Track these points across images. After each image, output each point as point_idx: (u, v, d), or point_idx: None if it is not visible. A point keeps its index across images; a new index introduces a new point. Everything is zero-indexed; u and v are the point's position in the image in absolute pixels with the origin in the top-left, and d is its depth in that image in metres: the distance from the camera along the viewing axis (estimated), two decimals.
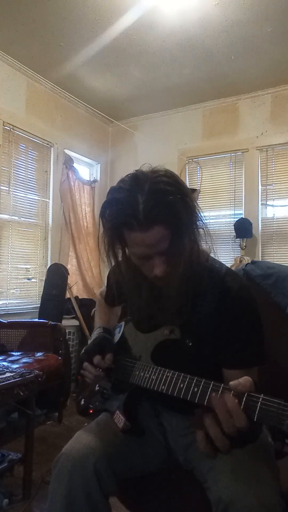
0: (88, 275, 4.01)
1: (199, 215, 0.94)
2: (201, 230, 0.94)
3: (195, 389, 0.82)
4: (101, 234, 0.97)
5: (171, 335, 1.00)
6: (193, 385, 0.83)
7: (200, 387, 0.81)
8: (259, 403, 0.70)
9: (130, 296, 1.07)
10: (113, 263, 1.02)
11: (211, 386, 0.79)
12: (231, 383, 0.74)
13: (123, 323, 1.15)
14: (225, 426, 0.72)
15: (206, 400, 0.79)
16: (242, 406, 0.71)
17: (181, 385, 0.85)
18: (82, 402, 1.17)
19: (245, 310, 0.98)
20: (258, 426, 0.72)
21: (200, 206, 0.97)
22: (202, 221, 0.94)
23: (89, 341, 1.14)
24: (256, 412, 0.70)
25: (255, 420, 0.70)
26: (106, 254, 1.00)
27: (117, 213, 0.89)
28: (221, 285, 0.98)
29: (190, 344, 0.99)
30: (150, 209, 0.85)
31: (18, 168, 3.41)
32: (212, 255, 1.04)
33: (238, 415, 0.71)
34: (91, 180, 4.30)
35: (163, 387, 0.90)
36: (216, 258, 1.06)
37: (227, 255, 3.69)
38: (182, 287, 0.94)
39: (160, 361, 0.99)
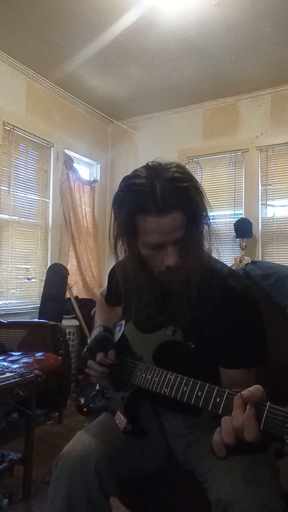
0: (88, 275, 4.01)
1: (208, 213, 0.94)
2: (206, 227, 0.94)
3: (199, 393, 0.81)
4: (112, 223, 0.95)
5: (173, 336, 1.00)
6: (196, 389, 0.82)
7: (204, 392, 0.80)
8: (266, 411, 0.69)
9: (132, 294, 1.05)
10: (119, 257, 1.00)
11: (215, 391, 0.79)
12: (244, 394, 0.72)
13: (123, 322, 1.14)
14: (234, 427, 0.71)
15: (210, 405, 0.78)
16: (262, 425, 0.68)
17: (185, 389, 0.85)
18: (82, 402, 1.17)
19: (248, 310, 0.97)
20: (267, 440, 0.70)
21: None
22: (209, 219, 0.94)
23: (89, 340, 1.14)
24: (263, 420, 0.69)
25: (261, 428, 0.68)
26: (113, 245, 0.98)
27: (135, 197, 0.87)
28: (224, 286, 0.98)
29: (193, 346, 0.98)
30: (169, 195, 0.86)
31: (18, 168, 3.41)
32: (215, 255, 1.03)
33: (251, 427, 0.69)
34: (91, 180, 4.30)
35: (165, 390, 0.89)
36: (218, 258, 1.05)
37: (227, 255, 3.69)
38: (188, 284, 0.93)
39: (162, 362, 0.98)
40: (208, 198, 0.94)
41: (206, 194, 0.94)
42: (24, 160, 3.50)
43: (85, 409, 1.15)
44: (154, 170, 0.89)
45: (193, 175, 0.95)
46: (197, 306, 0.97)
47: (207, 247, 0.97)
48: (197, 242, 0.93)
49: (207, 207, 0.93)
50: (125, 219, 0.91)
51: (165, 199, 0.86)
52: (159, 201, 0.85)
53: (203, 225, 0.93)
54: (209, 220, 0.94)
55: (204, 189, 0.94)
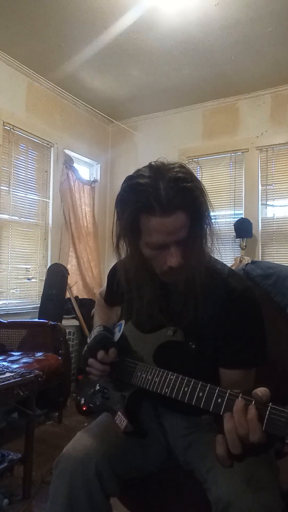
0: (88, 275, 4.01)
1: (210, 214, 0.93)
2: (208, 227, 0.94)
3: (200, 394, 0.81)
4: (115, 223, 0.94)
5: (174, 336, 1.00)
6: (197, 390, 0.82)
7: (206, 393, 0.80)
8: (268, 412, 0.69)
9: (133, 294, 1.05)
10: (122, 256, 0.99)
11: (216, 391, 0.79)
12: (258, 394, 0.70)
13: (123, 322, 1.14)
14: (240, 436, 0.71)
15: (212, 406, 0.78)
16: (264, 426, 0.68)
17: (186, 389, 0.85)
18: (82, 402, 1.17)
19: (249, 311, 0.97)
20: (270, 440, 0.70)
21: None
22: (211, 220, 0.94)
23: (89, 339, 1.13)
24: (265, 421, 0.68)
25: (263, 429, 0.68)
26: (115, 245, 0.97)
27: (139, 197, 0.87)
28: (225, 287, 0.98)
29: (193, 346, 0.98)
30: (173, 195, 0.85)
31: (18, 168, 3.41)
32: (216, 256, 1.02)
33: (255, 429, 0.69)
34: (91, 180, 4.30)
35: (166, 390, 0.89)
36: (218, 258, 1.05)
37: (227, 255, 3.69)
38: (191, 284, 0.93)
39: (162, 362, 0.98)
40: (209, 198, 0.94)
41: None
42: (24, 160, 3.50)
43: (84, 408, 1.15)
44: (157, 170, 0.89)
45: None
46: (198, 306, 0.97)
47: (209, 247, 0.96)
48: (200, 242, 0.92)
49: (210, 208, 0.93)
50: (128, 219, 0.90)
51: (169, 199, 0.85)
52: (163, 201, 0.85)
53: (206, 226, 0.93)
54: (211, 221, 0.94)
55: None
